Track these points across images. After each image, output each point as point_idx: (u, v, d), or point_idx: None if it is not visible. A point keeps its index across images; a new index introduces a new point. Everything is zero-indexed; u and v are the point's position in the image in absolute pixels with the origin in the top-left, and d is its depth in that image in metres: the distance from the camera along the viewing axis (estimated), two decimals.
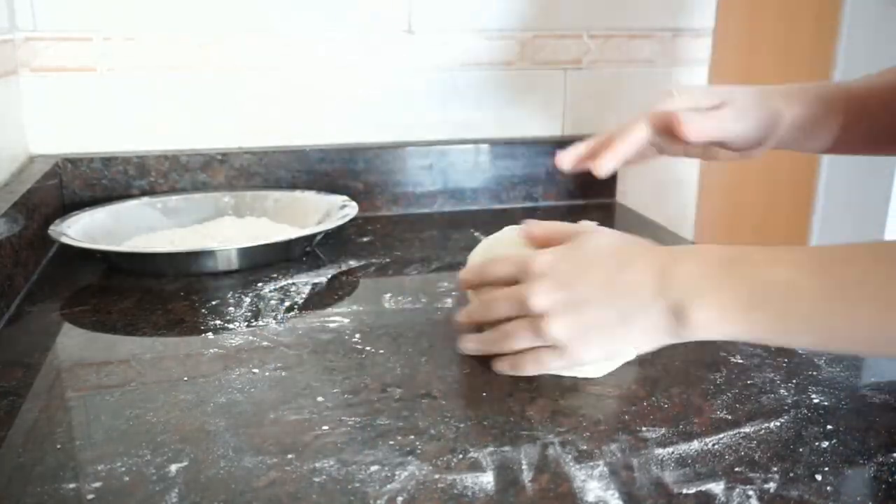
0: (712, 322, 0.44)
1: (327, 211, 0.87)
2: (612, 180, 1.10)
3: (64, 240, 0.75)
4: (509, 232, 0.60)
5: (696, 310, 0.44)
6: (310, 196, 0.92)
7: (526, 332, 0.50)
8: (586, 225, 0.54)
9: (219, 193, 0.93)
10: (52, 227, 0.78)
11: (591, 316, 0.47)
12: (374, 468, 0.42)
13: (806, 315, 0.42)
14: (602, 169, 0.59)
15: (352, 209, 0.85)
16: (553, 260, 0.49)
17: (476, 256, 0.61)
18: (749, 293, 0.43)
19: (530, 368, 0.51)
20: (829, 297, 0.41)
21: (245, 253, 0.76)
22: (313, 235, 0.80)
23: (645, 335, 0.47)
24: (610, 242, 0.50)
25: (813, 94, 0.61)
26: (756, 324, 0.43)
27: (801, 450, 0.44)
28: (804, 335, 0.43)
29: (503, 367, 0.53)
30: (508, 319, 0.51)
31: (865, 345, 0.42)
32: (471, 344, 0.55)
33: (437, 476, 0.42)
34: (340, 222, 0.82)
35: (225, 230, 0.85)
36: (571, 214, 1.03)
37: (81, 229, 0.80)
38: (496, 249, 0.59)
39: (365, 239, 0.89)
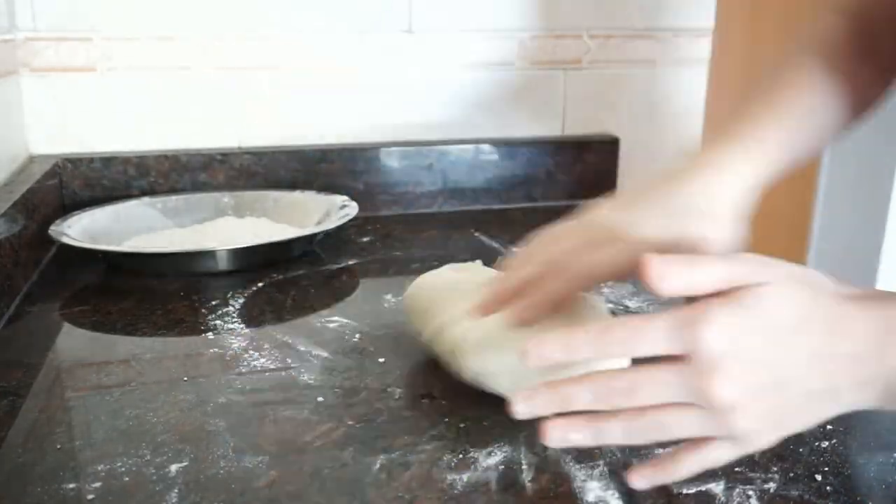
0: None
1: (327, 211, 0.87)
2: (612, 180, 1.10)
3: (64, 240, 0.75)
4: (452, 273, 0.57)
5: None
6: (310, 196, 0.92)
7: (698, 426, 0.36)
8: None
9: (219, 193, 0.93)
10: (52, 227, 0.78)
11: (793, 398, 0.36)
12: (374, 468, 0.42)
13: None
14: None
15: (352, 209, 0.85)
16: (734, 331, 0.34)
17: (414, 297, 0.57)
18: None
19: (693, 466, 0.38)
20: None
21: (245, 253, 0.76)
22: (313, 235, 0.80)
23: (854, 407, 0.37)
24: (800, 300, 0.36)
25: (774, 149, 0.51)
26: None
27: (801, 450, 0.44)
28: None
29: (640, 480, 0.39)
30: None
31: None
32: (577, 434, 0.37)
33: (437, 476, 0.42)
34: (340, 222, 0.82)
35: (225, 230, 0.85)
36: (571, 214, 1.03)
37: (81, 229, 0.80)
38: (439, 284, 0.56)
39: (365, 239, 0.89)
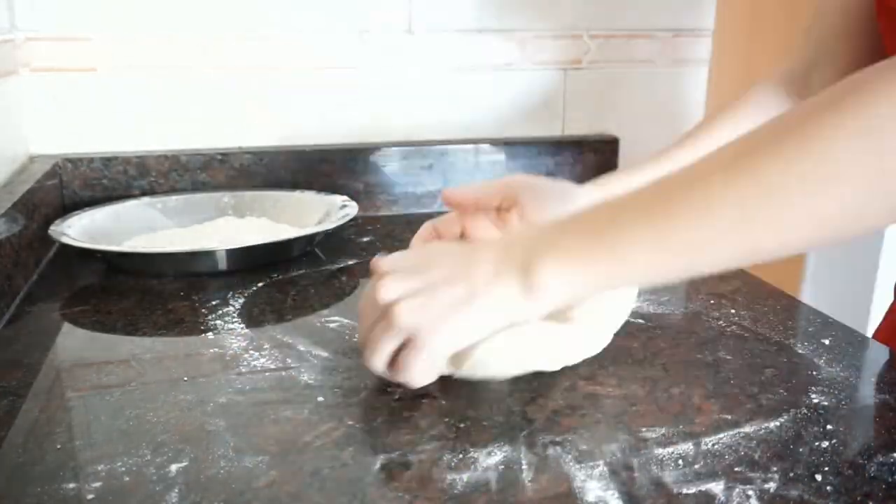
0: (557, 276, 0.44)
1: (327, 211, 0.87)
2: None
3: (64, 240, 0.75)
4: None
5: (541, 267, 0.44)
6: (310, 196, 0.92)
7: (381, 330, 0.47)
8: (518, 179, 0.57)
9: (218, 193, 0.93)
10: (52, 227, 0.78)
11: (439, 297, 0.46)
12: (374, 468, 0.42)
13: (638, 239, 0.42)
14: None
15: (352, 209, 0.85)
16: (398, 257, 0.50)
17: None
18: (585, 238, 0.43)
19: (400, 375, 0.48)
20: (651, 215, 0.41)
21: (245, 253, 0.76)
22: (313, 235, 0.80)
23: (495, 311, 0.46)
24: (446, 246, 0.51)
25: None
26: (598, 264, 0.43)
27: (801, 450, 0.44)
28: (644, 266, 0.42)
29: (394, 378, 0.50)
30: None
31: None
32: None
33: (437, 476, 0.42)
34: (340, 222, 0.82)
35: (225, 230, 0.85)
36: None
37: (81, 229, 0.80)
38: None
39: (365, 239, 0.89)
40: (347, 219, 0.83)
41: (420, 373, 0.48)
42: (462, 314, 0.46)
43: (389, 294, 0.46)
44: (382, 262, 0.49)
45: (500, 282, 0.45)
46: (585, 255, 0.43)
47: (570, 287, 0.44)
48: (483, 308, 0.45)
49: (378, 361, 0.48)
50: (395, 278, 0.47)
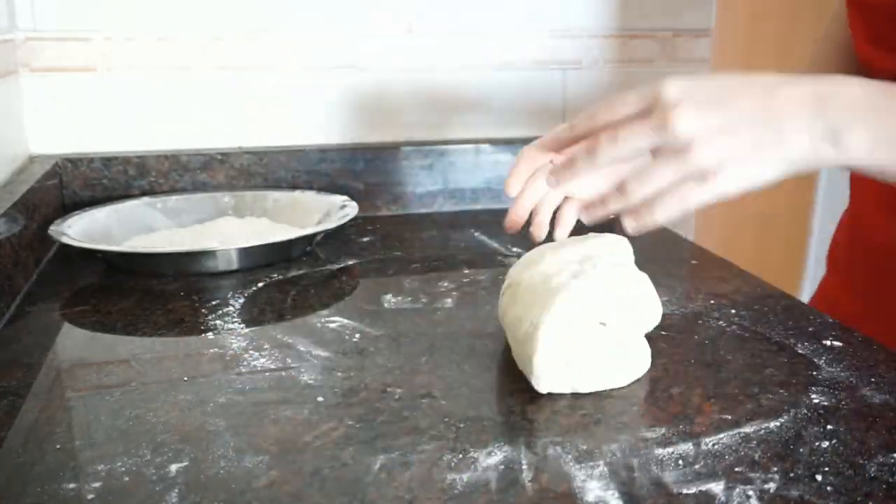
0: (864, 149, 0.45)
1: (327, 211, 0.87)
2: None
3: (64, 240, 0.75)
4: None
5: (852, 134, 0.44)
6: (310, 196, 0.92)
7: (669, 164, 0.44)
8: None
9: (219, 193, 0.93)
10: (52, 227, 0.78)
11: (745, 137, 0.44)
12: (374, 468, 0.42)
13: None
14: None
15: (352, 209, 0.85)
16: (689, 86, 0.44)
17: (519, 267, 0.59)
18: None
19: (674, 207, 0.46)
20: None
21: (245, 253, 0.76)
22: (313, 235, 0.80)
23: (800, 156, 0.45)
24: (740, 75, 0.46)
25: None
26: None
27: (801, 450, 0.44)
28: None
29: (631, 222, 0.47)
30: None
31: None
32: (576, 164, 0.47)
33: (437, 476, 0.42)
34: (340, 222, 0.82)
35: (225, 230, 0.85)
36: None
37: (81, 229, 0.80)
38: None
39: (365, 239, 0.89)
40: (347, 219, 0.83)
41: (687, 207, 0.46)
42: (767, 158, 0.44)
43: (690, 126, 0.43)
44: (670, 88, 0.44)
45: (809, 133, 0.44)
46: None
47: (873, 161, 0.45)
48: (789, 154, 0.45)
49: (643, 190, 0.45)
50: (695, 109, 0.43)
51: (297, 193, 0.94)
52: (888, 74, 0.61)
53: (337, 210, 0.86)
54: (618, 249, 0.57)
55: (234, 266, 0.76)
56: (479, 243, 0.88)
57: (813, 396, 0.50)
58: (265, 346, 0.59)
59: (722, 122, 0.44)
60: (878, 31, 0.61)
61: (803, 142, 0.44)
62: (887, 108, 0.45)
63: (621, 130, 0.45)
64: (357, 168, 1.00)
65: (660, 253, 0.84)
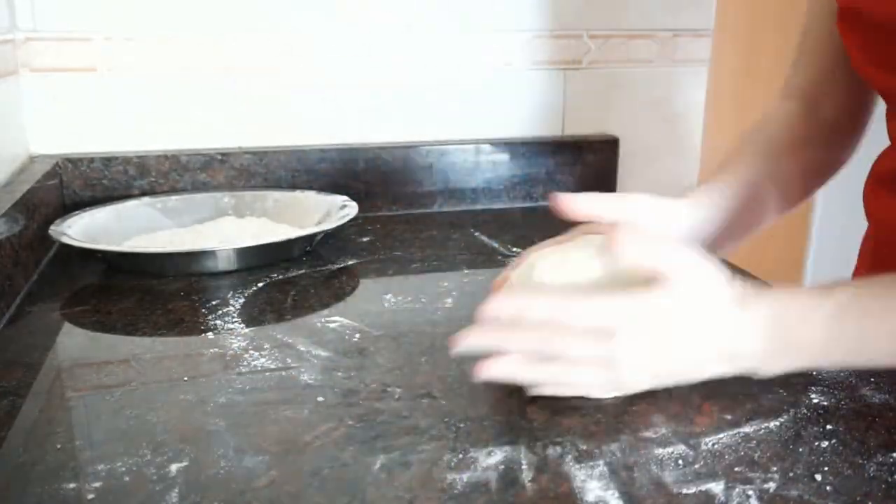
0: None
1: (327, 211, 0.87)
2: (612, 181, 1.10)
3: (64, 239, 0.75)
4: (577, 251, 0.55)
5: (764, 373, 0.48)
6: (310, 196, 0.92)
7: (586, 348, 0.47)
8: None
9: (219, 193, 0.93)
10: (52, 227, 0.78)
11: (673, 355, 0.48)
12: (374, 468, 0.42)
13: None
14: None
15: (352, 209, 0.85)
16: (631, 332, 0.47)
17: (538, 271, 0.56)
18: (807, 358, 0.48)
19: (570, 386, 0.49)
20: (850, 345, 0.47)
21: (245, 253, 0.76)
22: (313, 235, 0.80)
23: (709, 376, 0.49)
24: (699, 294, 0.48)
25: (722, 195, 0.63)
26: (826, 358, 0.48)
27: (800, 450, 0.44)
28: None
29: (545, 390, 0.50)
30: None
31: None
32: (501, 368, 0.49)
33: (437, 476, 0.42)
34: (340, 222, 0.82)
35: (225, 230, 0.85)
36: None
37: (82, 229, 0.80)
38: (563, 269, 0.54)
39: (365, 239, 0.89)
40: (347, 219, 0.83)
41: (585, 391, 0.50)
42: (672, 373, 0.49)
43: (628, 352, 0.47)
44: (619, 328, 0.47)
45: (722, 369, 0.48)
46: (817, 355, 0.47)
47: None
48: (692, 378, 0.49)
49: (562, 382, 0.49)
50: (640, 343, 0.47)
51: (298, 193, 0.94)
52: (890, 93, 0.61)
53: (337, 210, 0.86)
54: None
55: (234, 266, 0.76)
56: (479, 243, 0.88)
57: (812, 396, 0.50)
58: (265, 346, 0.59)
59: (656, 341, 0.47)
60: (878, 50, 0.60)
61: (720, 371, 0.49)
62: (794, 348, 0.47)
63: (571, 341, 0.47)
64: (357, 168, 1.00)
65: None
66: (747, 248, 0.74)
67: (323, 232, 0.81)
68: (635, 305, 0.46)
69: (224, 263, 0.76)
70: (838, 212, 0.81)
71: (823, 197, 0.92)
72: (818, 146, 0.68)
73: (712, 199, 0.62)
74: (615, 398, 0.50)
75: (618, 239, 0.47)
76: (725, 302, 0.47)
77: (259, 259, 0.77)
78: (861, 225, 0.71)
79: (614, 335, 0.46)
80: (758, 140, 0.68)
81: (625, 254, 0.47)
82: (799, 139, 0.68)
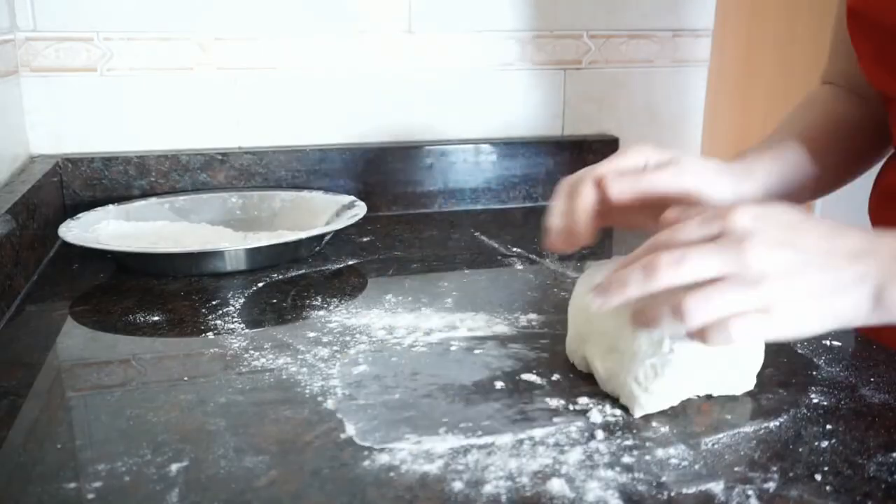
0: None
1: (336, 211, 0.87)
2: None
3: (69, 238, 0.75)
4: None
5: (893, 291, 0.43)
6: (317, 196, 0.92)
7: (738, 292, 0.42)
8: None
9: (226, 193, 0.93)
10: (61, 227, 0.78)
11: (811, 280, 0.42)
12: (374, 468, 0.42)
13: None
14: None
15: (360, 209, 0.85)
16: (757, 216, 0.43)
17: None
18: None
19: (737, 333, 0.42)
20: None
21: (253, 253, 0.76)
22: (322, 236, 0.80)
23: (851, 311, 0.43)
24: (796, 212, 0.45)
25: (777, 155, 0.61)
26: None
27: (800, 450, 0.44)
28: None
29: (700, 336, 0.43)
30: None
31: None
32: (639, 309, 0.45)
33: (437, 476, 0.42)
34: (350, 222, 0.81)
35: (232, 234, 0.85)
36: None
37: (97, 230, 0.81)
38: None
39: (365, 239, 0.89)
40: (357, 218, 0.82)
41: (748, 336, 0.43)
42: (825, 306, 0.43)
43: (761, 262, 0.42)
44: (740, 216, 0.43)
45: (864, 287, 0.43)
46: None
47: None
48: (843, 306, 0.43)
49: (704, 315, 0.42)
50: (768, 243, 0.42)
51: (305, 193, 0.93)
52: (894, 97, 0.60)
53: (344, 210, 0.86)
54: None
55: (243, 267, 0.76)
56: (479, 243, 0.88)
57: (812, 396, 0.50)
58: (265, 346, 0.59)
59: (791, 262, 0.42)
60: (885, 52, 0.59)
61: (857, 295, 0.43)
62: None
63: (689, 252, 0.43)
64: (357, 168, 1.00)
65: None
66: None
67: (332, 232, 0.80)
68: (744, 213, 0.43)
69: (235, 264, 0.75)
70: (839, 211, 0.81)
71: (823, 205, 0.92)
72: (862, 130, 0.66)
73: (766, 167, 0.60)
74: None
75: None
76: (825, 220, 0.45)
77: (269, 259, 0.77)
78: (860, 223, 0.71)
79: (747, 246, 0.42)
80: (799, 120, 0.66)
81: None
82: (843, 122, 0.66)
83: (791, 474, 0.42)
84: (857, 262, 0.43)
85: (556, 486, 0.41)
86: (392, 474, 0.42)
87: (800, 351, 0.57)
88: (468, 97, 1.06)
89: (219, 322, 0.64)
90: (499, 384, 0.52)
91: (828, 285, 0.43)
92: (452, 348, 0.58)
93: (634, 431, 0.46)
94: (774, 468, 0.42)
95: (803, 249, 0.43)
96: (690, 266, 0.42)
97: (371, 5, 0.99)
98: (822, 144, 0.63)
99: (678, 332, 0.46)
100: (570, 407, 0.49)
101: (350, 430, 0.46)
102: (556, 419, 0.48)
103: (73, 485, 0.41)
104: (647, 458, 0.43)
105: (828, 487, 0.41)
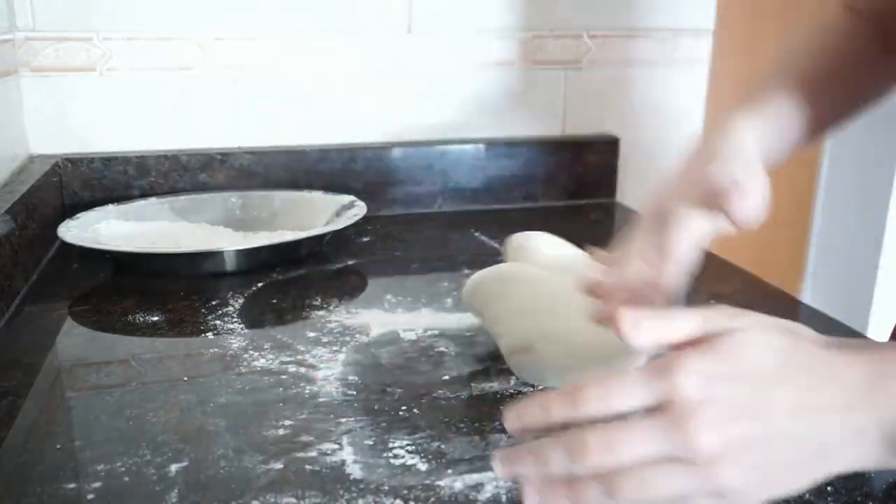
0: None
1: (336, 211, 0.87)
2: (612, 180, 1.10)
3: (68, 238, 0.75)
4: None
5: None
6: (317, 196, 0.92)
7: (684, 478, 0.33)
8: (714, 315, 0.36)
9: (227, 193, 0.93)
10: (60, 227, 0.78)
11: (777, 457, 0.34)
12: (374, 468, 0.42)
13: None
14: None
15: (360, 209, 0.85)
16: (710, 376, 0.34)
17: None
18: None
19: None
20: None
21: (253, 253, 0.76)
22: (322, 236, 0.80)
23: (853, 464, 0.35)
24: (779, 346, 0.35)
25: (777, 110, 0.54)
26: None
27: None
28: None
29: None
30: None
31: None
32: (552, 494, 0.34)
33: (437, 476, 0.42)
34: (350, 222, 0.81)
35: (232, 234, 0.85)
36: (571, 214, 1.03)
37: (95, 230, 0.80)
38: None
39: (365, 239, 0.89)
40: (357, 218, 0.82)
41: None
42: (806, 473, 0.35)
43: (712, 443, 0.33)
44: (689, 382, 0.33)
45: (864, 438, 0.34)
46: None
47: None
48: (834, 466, 0.35)
49: (639, 496, 0.33)
50: (717, 418, 0.33)
51: (305, 193, 0.93)
52: None
53: (344, 210, 0.86)
54: None
55: (243, 267, 0.76)
56: (479, 243, 0.88)
57: None
58: (265, 346, 0.59)
59: (749, 439, 0.33)
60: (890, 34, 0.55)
61: (857, 449, 0.35)
62: None
63: (621, 435, 0.34)
64: (357, 168, 1.00)
65: None
66: (748, 249, 0.74)
67: (332, 232, 0.80)
68: (693, 377, 0.34)
69: (234, 264, 0.75)
70: (839, 211, 0.81)
71: (824, 196, 0.92)
72: (883, 66, 0.57)
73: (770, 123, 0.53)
74: None
75: (625, 321, 0.35)
76: (819, 346, 0.36)
77: (269, 259, 0.77)
78: (861, 223, 0.71)
79: (690, 427, 0.33)
80: (807, 59, 0.57)
81: (643, 337, 0.35)
82: (863, 58, 0.57)
83: None
84: (850, 414, 0.34)
85: None
86: (391, 475, 0.42)
87: None
88: (468, 97, 1.06)
89: (218, 322, 0.64)
90: (497, 383, 0.52)
91: (805, 452, 0.34)
92: (452, 348, 0.58)
93: None
94: None
95: (767, 417, 0.34)
96: (623, 451, 0.34)
97: (371, 5, 0.99)
98: (827, 89, 0.55)
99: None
100: None
101: (351, 429, 0.46)
102: None
103: (72, 485, 0.41)
104: None
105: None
